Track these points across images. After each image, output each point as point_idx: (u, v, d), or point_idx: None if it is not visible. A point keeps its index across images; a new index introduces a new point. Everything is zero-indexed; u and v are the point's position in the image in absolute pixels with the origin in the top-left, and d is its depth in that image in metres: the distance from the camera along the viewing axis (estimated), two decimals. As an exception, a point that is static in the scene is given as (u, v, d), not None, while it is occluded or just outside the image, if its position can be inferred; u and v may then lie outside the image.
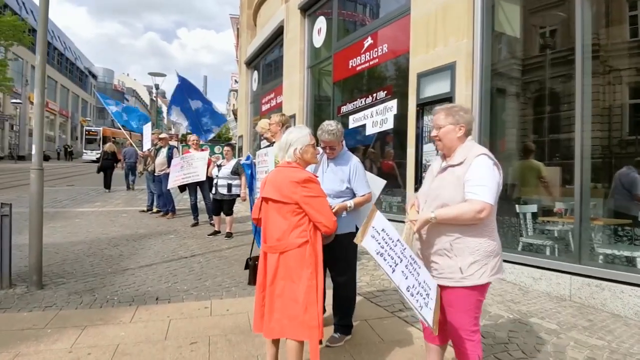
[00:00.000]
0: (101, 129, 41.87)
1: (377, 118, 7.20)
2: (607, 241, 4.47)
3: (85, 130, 42.60)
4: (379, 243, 1.96)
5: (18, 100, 32.30)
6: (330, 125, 3.17)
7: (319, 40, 9.57)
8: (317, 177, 2.51)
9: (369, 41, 7.69)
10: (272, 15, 12.28)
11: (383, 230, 2.03)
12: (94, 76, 65.82)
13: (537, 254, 4.88)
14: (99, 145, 37.63)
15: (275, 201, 2.44)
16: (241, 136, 16.98)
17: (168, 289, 4.50)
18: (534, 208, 5.38)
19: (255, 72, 15.26)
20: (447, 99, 5.65)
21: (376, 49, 7.51)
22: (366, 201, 3.29)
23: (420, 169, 6.14)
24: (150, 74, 18.23)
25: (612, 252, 4.29)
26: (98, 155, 33.50)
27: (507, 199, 5.51)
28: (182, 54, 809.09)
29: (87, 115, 56.51)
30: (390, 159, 7.66)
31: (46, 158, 40.82)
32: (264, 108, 13.24)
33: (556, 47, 5.66)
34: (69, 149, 44.39)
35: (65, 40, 54.18)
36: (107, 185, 14.91)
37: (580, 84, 4.48)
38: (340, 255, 3.24)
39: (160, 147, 9.74)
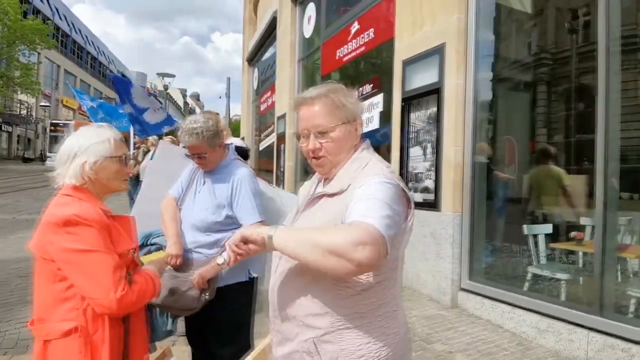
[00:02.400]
0: (72, 122, 27.63)
1: (361, 116, 6.10)
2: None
3: (51, 124, 28.69)
4: None
5: (47, 103, 33.01)
6: (194, 122, 2.07)
7: (309, 30, 8.53)
8: (105, 214, 1.44)
9: (355, 27, 6.59)
10: (269, 7, 11.35)
11: None
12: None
13: (545, 296, 3.66)
14: None
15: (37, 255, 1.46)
16: (243, 138, 16.15)
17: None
18: (546, 228, 4.15)
19: (256, 69, 14.33)
20: (434, 90, 4.51)
21: (362, 35, 6.40)
22: None
23: (406, 177, 5.00)
24: (159, 74, 17.72)
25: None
26: None
27: (509, 216, 4.34)
28: (216, 57, 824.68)
29: (119, 117, 57.57)
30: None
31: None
32: (262, 108, 12.34)
33: (578, 26, 4.45)
34: None
35: (99, 45, 55.57)
36: None
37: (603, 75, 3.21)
38: (224, 317, 2.19)
39: (148, 150, 9.09)
